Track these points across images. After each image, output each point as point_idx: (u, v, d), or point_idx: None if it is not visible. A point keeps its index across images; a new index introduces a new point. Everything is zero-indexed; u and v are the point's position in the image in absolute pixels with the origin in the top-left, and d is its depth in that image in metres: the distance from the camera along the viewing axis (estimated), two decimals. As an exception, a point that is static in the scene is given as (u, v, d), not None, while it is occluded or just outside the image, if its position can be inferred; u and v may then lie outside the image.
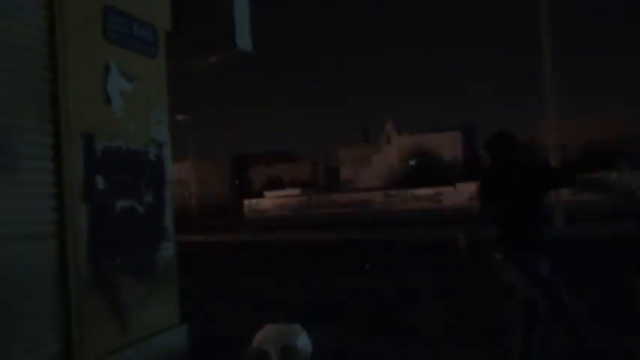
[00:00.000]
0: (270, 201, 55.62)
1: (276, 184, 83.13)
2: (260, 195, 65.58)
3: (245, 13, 6.36)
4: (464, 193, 41.80)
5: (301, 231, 22.62)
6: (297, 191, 63.36)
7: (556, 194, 16.14)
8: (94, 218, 4.20)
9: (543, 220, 3.89)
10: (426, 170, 65.30)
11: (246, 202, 56.57)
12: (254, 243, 18.64)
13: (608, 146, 53.31)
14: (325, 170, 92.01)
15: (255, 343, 3.16)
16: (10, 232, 3.71)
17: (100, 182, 4.28)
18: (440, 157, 73.83)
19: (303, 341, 3.19)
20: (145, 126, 4.77)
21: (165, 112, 5.05)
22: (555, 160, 16.51)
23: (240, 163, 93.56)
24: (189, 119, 45.38)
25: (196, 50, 5.83)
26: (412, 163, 72.34)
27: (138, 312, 4.52)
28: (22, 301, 3.75)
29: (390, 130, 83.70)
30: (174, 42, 5.41)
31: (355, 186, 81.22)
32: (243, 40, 6.19)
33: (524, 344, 3.82)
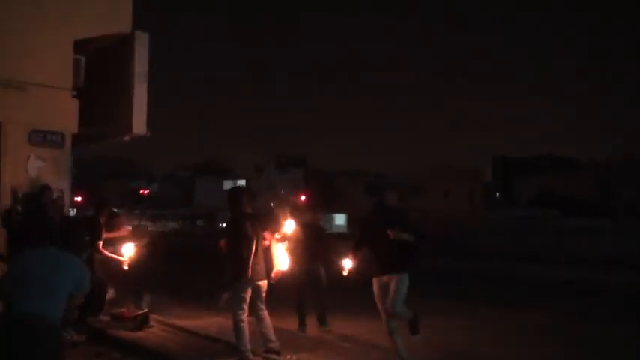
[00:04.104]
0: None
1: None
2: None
3: (143, 103, 11.24)
4: None
5: None
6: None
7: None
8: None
9: None
10: None
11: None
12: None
13: None
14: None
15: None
16: None
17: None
18: None
19: None
20: (51, 181, 10.20)
21: (69, 172, 10.46)
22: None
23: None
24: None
25: (101, 138, 11.20)
26: None
27: None
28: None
29: None
30: (84, 134, 10.79)
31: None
32: (140, 126, 11.31)
33: None
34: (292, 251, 7.74)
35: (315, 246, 8.90)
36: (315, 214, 9.85)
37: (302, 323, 8.91)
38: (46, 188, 9.48)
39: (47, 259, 4.16)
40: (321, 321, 9.04)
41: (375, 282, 7.03)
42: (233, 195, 7.21)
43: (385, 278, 6.90)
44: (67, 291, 4.10)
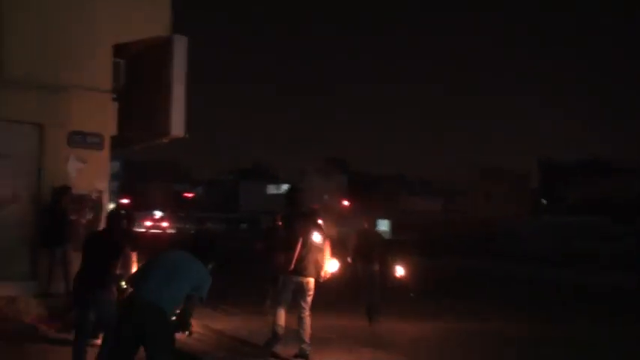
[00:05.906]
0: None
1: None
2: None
3: (181, 106, 11.33)
4: None
5: None
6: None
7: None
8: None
9: None
10: None
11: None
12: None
13: None
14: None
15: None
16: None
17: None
18: None
19: None
20: (90, 181, 10.39)
21: (108, 173, 10.63)
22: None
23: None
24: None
25: (140, 140, 11.33)
26: None
27: None
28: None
29: None
30: (123, 137, 10.95)
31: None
32: (177, 128, 11.41)
33: None
34: (352, 254, 9.57)
35: (372, 250, 9.85)
36: (371, 220, 10.90)
37: (372, 319, 9.76)
38: (64, 189, 9.69)
39: (170, 261, 4.95)
40: (371, 317, 9.79)
41: None
42: (290, 195, 7.95)
43: None
44: (183, 290, 4.77)
